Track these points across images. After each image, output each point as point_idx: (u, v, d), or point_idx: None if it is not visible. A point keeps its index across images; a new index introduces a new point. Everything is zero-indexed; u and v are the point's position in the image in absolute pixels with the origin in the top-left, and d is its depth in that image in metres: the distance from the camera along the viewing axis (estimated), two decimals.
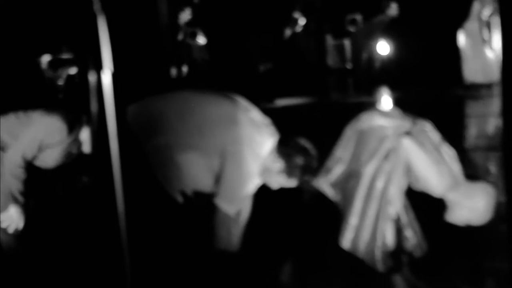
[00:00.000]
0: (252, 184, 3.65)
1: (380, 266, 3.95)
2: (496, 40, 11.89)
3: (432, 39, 12.41)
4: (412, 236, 4.08)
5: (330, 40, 16.16)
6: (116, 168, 2.12)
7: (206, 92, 3.94)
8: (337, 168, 4.06)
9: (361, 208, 3.89)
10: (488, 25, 11.75)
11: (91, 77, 2.08)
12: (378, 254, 3.92)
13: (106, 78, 2.13)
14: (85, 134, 3.52)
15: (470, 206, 3.94)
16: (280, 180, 3.79)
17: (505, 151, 2.00)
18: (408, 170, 3.93)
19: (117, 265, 2.21)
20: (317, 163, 3.89)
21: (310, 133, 9.89)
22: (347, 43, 15.44)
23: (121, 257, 2.18)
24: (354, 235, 3.94)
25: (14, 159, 3.56)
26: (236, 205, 3.58)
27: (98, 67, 2.09)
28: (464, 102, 10.95)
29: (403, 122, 4.02)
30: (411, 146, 3.91)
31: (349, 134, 4.11)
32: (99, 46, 2.10)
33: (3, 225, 3.67)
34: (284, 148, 3.76)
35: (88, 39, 2.03)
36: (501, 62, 2.14)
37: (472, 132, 9.35)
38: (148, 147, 3.44)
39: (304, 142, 3.85)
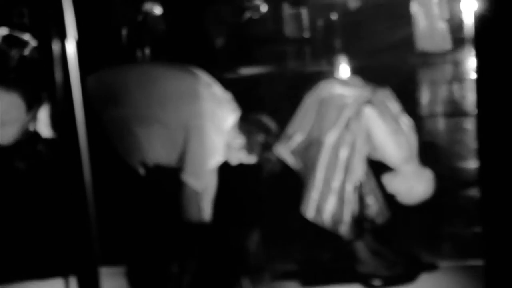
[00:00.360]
0: (217, 159, 3.65)
1: (346, 233, 3.98)
2: (448, 8, 11.99)
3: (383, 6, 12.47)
4: (373, 203, 4.12)
5: (287, 9, 16.09)
6: (83, 139, 2.10)
7: (167, 65, 3.91)
8: (297, 136, 4.06)
9: (323, 177, 3.91)
10: None
11: (55, 46, 2.04)
12: (345, 222, 3.95)
13: (71, 47, 2.10)
14: (43, 113, 3.48)
15: (412, 185, 3.98)
16: (240, 156, 3.80)
17: (478, 118, 2.02)
18: (368, 139, 3.95)
19: (83, 234, 2.20)
20: (277, 140, 3.90)
21: (268, 102, 9.92)
22: (304, 11, 15.38)
23: (88, 227, 2.17)
24: (317, 204, 3.95)
25: None
26: (203, 180, 3.57)
27: (62, 35, 2.06)
28: (417, 69, 11.03)
29: (364, 91, 4.04)
30: (372, 115, 3.94)
31: (309, 102, 4.11)
32: (62, 12, 2.07)
33: None
34: (245, 124, 3.77)
35: (50, 4, 1.99)
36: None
37: (426, 99, 9.45)
38: (106, 119, 3.40)
39: (265, 119, 3.86)
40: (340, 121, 3.92)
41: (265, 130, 3.81)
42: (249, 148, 3.77)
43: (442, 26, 11.85)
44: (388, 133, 3.94)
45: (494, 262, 2.07)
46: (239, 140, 3.74)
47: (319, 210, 3.96)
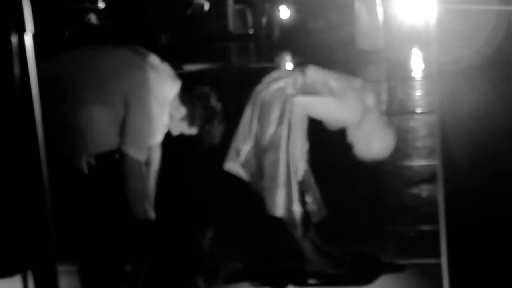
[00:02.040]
0: (159, 130, 3.57)
1: (296, 231, 4.00)
2: (393, 3, 12.14)
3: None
4: (311, 201, 4.13)
5: (231, 5, 16.11)
6: (40, 134, 2.06)
7: (101, 45, 3.85)
8: (245, 146, 4.06)
9: (285, 171, 3.93)
10: None
11: (13, 39, 2.00)
12: (295, 218, 3.97)
13: (28, 39, 2.06)
14: None
15: (370, 140, 3.99)
16: (181, 127, 3.76)
17: (440, 116, 2.06)
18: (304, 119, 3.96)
19: (40, 232, 2.17)
20: (220, 112, 3.87)
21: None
22: (248, 8, 15.43)
23: (45, 225, 2.14)
24: (286, 201, 3.97)
25: None
26: (144, 151, 3.49)
27: (20, 29, 2.02)
28: (358, 67, 11.16)
29: (293, 78, 4.04)
30: (305, 101, 3.95)
31: (250, 110, 4.10)
32: (21, 6, 2.03)
33: None
34: (187, 95, 3.73)
35: None
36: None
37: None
38: (51, 117, 3.31)
39: (207, 90, 3.84)
40: (283, 116, 3.94)
41: (207, 100, 3.78)
42: (191, 119, 3.73)
43: (382, 24, 11.99)
44: (331, 104, 3.95)
45: (453, 260, 2.12)
46: (181, 110, 3.70)
47: (288, 207, 3.98)
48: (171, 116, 3.64)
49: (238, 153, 4.05)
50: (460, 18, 2.46)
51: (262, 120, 3.97)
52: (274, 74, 4.12)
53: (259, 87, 4.04)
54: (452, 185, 2.21)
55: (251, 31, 15.34)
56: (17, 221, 2.02)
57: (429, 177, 5.42)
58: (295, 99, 3.93)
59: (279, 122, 3.92)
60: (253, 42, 14.54)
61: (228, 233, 4.65)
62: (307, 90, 3.97)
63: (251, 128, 4.03)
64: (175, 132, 3.76)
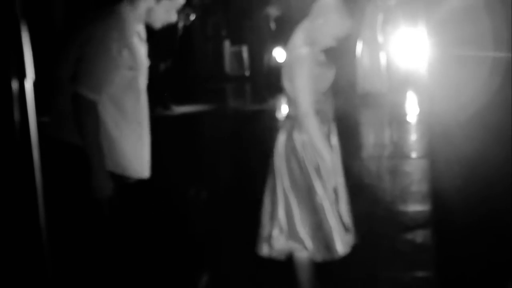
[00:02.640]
0: (114, 69, 3.51)
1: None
2: (391, 47, 12.26)
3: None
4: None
5: (227, 47, 16.22)
6: (38, 178, 2.08)
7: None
8: (275, 229, 4.06)
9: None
10: (382, 32, 12.08)
11: (14, 85, 2.03)
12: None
13: (28, 85, 2.09)
14: None
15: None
16: (161, 17, 3.72)
17: (431, 159, 2.09)
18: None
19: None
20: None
21: (208, 140, 9.93)
22: (245, 49, 15.53)
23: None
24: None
25: None
26: (98, 90, 3.44)
27: (21, 75, 2.05)
28: (359, 110, 11.24)
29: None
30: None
31: (268, 197, 4.12)
32: (22, 52, 2.06)
33: None
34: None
35: (10, 44, 1.99)
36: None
37: (367, 140, 9.60)
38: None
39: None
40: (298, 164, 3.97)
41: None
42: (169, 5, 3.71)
43: (385, 66, 12.10)
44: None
45: None
46: None
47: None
48: (151, 8, 3.59)
49: (270, 237, 4.04)
50: (453, 65, 2.51)
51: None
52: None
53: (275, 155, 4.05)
54: (445, 230, 2.23)
55: (247, 73, 15.43)
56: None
57: (424, 223, 5.44)
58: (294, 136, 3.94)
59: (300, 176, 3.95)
60: (249, 84, 14.61)
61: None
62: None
63: (275, 210, 4.03)
64: (157, 25, 3.69)
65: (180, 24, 12.27)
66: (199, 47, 15.73)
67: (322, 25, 3.92)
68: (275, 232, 4.00)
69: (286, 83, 3.96)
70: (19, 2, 1.95)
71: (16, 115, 2.00)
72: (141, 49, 3.62)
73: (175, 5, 3.64)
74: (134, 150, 3.57)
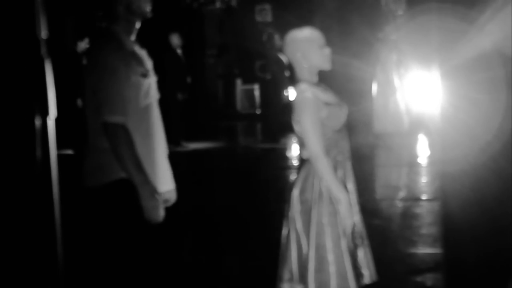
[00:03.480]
0: (129, 87, 3.52)
1: None
2: (406, 88, 12.31)
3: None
4: (364, 266, 4.13)
5: (239, 85, 16.33)
6: (57, 212, 2.11)
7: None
8: (286, 272, 4.07)
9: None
10: (397, 72, 12.15)
11: (36, 123, 2.07)
12: None
13: (51, 123, 2.13)
14: None
15: None
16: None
17: (443, 201, 2.11)
18: None
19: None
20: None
21: (218, 178, 9.94)
22: (256, 88, 15.60)
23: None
24: None
25: None
26: (121, 111, 3.33)
27: (44, 112, 2.09)
28: (374, 150, 11.25)
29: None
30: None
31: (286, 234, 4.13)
32: (45, 91, 2.11)
33: None
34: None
35: (34, 84, 2.03)
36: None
37: (379, 181, 9.59)
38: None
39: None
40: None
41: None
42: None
43: (399, 108, 12.13)
44: None
45: None
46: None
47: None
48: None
49: (291, 274, 4.03)
50: (466, 108, 2.54)
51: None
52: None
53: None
54: (455, 273, 2.24)
55: (258, 111, 15.50)
56: None
57: (434, 266, 5.42)
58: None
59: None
60: (260, 122, 14.66)
61: None
62: None
63: (288, 252, 4.04)
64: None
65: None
66: (211, 84, 15.86)
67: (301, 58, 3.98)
68: (287, 275, 3.99)
69: (295, 126, 3.99)
70: (44, 44, 2.00)
71: (38, 151, 2.04)
72: (145, 56, 3.67)
73: None
74: (159, 163, 3.59)
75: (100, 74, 3.39)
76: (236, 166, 10.77)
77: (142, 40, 3.66)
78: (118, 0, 3.49)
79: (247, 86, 16.09)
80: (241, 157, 11.80)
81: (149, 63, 3.63)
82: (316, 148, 3.87)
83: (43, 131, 2.08)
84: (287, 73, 12.38)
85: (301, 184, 4.02)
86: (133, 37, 3.59)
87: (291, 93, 13.06)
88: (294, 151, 11.29)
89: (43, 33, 2.03)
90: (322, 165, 3.88)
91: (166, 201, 3.72)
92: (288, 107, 13.56)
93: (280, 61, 12.35)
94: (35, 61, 1.97)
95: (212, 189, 9.14)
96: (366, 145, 11.13)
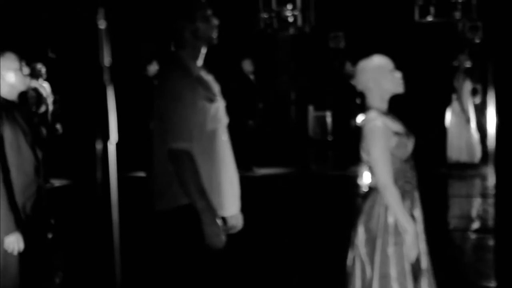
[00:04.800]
0: (193, 112, 3.53)
1: None
2: (479, 119, 12.13)
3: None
4: None
5: (311, 111, 16.30)
6: (116, 235, 2.14)
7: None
8: None
9: None
10: (472, 101, 11.98)
11: (98, 146, 2.12)
12: None
13: (112, 147, 2.17)
14: None
15: None
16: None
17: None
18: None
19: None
20: None
21: (289, 204, 9.94)
22: (328, 114, 15.55)
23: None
24: None
25: None
26: (185, 137, 3.38)
27: (105, 137, 2.13)
28: (447, 181, 11.08)
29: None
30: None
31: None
32: (107, 116, 2.15)
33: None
34: None
35: (97, 109, 2.08)
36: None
37: (454, 212, 9.41)
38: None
39: None
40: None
41: None
42: None
43: (473, 138, 11.98)
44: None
45: None
46: None
47: None
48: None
49: None
50: None
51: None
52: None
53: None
54: None
55: (330, 138, 15.44)
56: None
57: None
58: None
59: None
60: (332, 149, 14.60)
61: None
62: None
63: (352, 279, 4.02)
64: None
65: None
66: (284, 110, 15.89)
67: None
68: None
69: (363, 154, 3.96)
70: (107, 71, 2.05)
71: (99, 174, 2.08)
72: (212, 80, 3.69)
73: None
74: (225, 187, 3.60)
75: (166, 100, 3.45)
76: (307, 192, 10.75)
77: (213, 65, 3.70)
78: (185, 27, 3.55)
79: (319, 113, 16.05)
80: (312, 183, 11.76)
81: (216, 88, 3.66)
82: (385, 177, 3.84)
83: (104, 155, 2.12)
84: (358, 101, 12.30)
85: (367, 213, 3.99)
86: (199, 63, 3.63)
87: (360, 121, 12.95)
88: (364, 179, 11.19)
89: (106, 61, 2.08)
90: (391, 195, 3.84)
91: (232, 227, 3.73)
92: (357, 135, 13.53)
93: (351, 88, 12.30)
94: (98, 87, 2.01)
95: (280, 214, 9.13)
96: (439, 175, 10.98)
